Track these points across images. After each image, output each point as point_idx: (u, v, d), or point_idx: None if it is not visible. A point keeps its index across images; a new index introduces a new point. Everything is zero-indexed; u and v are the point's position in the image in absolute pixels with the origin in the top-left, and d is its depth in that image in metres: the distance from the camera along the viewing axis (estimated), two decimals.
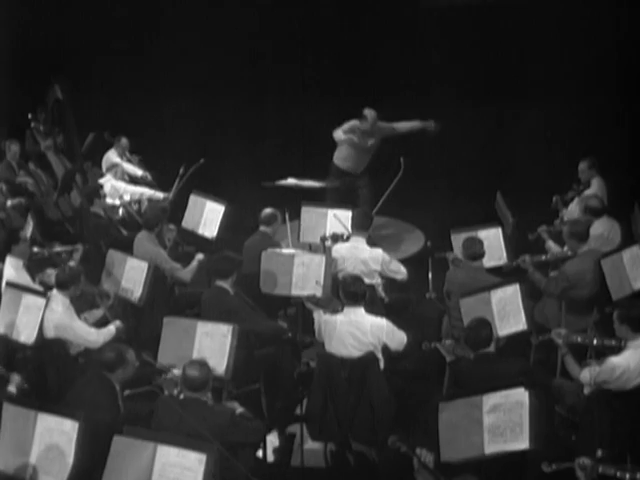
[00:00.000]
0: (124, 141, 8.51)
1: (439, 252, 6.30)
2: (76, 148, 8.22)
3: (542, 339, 5.16)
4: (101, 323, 5.67)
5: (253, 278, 5.99)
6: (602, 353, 4.99)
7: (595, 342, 5.07)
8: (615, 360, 4.71)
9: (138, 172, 8.45)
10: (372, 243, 6.43)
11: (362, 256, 6.15)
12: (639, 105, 8.19)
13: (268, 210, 6.64)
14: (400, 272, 6.19)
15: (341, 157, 7.98)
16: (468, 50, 8.71)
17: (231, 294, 5.69)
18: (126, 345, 4.91)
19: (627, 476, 3.89)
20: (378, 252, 6.18)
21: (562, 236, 6.24)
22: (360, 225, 6.31)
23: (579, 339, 5.02)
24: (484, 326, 4.90)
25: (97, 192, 7.48)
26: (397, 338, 5.18)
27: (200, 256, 6.47)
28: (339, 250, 6.26)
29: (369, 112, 7.76)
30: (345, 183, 7.98)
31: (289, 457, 5.43)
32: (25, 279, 5.72)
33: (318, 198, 7.74)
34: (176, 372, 4.73)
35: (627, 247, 5.98)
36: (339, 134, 7.81)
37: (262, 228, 6.62)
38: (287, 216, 6.93)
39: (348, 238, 6.37)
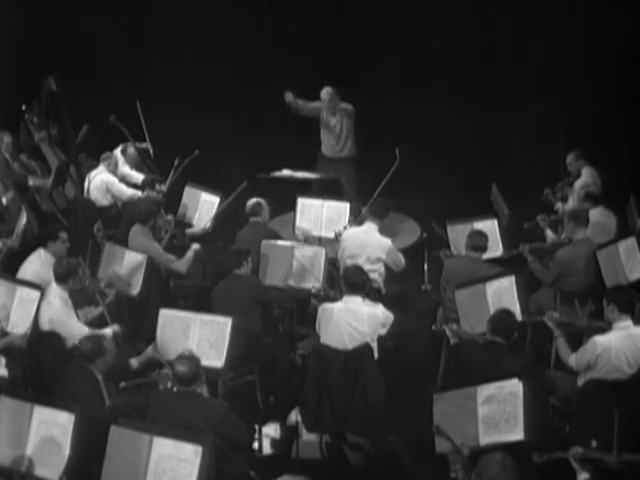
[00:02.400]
0: (131, 152, 8.21)
1: (433, 248, 6.31)
2: (70, 140, 8.17)
3: (533, 320, 5.32)
4: (98, 321, 5.67)
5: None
6: None
7: (582, 322, 5.22)
8: (597, 338, 4.82)
9: (139, 177, 8.24)
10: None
11: (371, 242, 6.21)
12: (634, 97, 8.19)
13: (252, 200, 6.61)
14: (400, 264, 6.25)
15: (322, 142, 8.10)
16: (464, 42, 8.69)
17: (251, 279, 5.81)
18: (102, 334, 4.91)
19: (613, 459, 3.95)
20: (387, 241, 6.26)
21: (561, 226, 6.27)
22: (378, 213, 6.37)
23: (565, 319, 5.15)
24: (511, 315, 4.98)
25: (152, 184, 7.45)
26: (387, 320, 5.25)
27: (196, 246, 6.46)
28: (349, 233, 6.35)
29: (324, 90, 7.86)
30: (326, 169, 8.00)
31: (287, 449, 5.44)
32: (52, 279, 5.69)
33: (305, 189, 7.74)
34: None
35: (623, 238, 6.00)
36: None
37: (252, 219, 6.60)
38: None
39: (362, 222, 6.43)
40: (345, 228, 6.49)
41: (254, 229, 6.52)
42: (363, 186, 7.64)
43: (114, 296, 5.88)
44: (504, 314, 5.00)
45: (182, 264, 6.39)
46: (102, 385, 4.66)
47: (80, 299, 5.68)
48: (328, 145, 8.09)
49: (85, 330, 5.38)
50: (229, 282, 5.76)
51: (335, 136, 8.00)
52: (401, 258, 6.27)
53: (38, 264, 5.92)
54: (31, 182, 7.96)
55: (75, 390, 4.53)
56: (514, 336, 4.90)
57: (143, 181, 7.67)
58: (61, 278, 5.47)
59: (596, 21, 8.15)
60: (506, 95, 8.58)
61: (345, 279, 5.32)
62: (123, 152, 8.18)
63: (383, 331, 5.22)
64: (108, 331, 5.46)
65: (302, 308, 6.14)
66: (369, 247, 6.17)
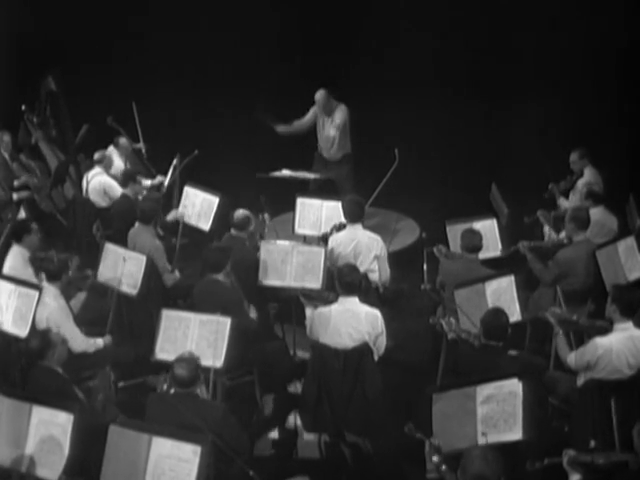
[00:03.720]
0: (123, 142, 8.29)
1: (429, 246, 6.28)
2: (69, 140, 8.18)
3: (533, 318, 5.32)
4: (85, 305, 5.74)
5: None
6: None
7: (585, 321, 5.19)
8: (598, 339, 4.80)
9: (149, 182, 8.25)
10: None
11: (363, 240, 6.14)
12: (634, 97, 8.19)
13: (240, 212, 6.34)
14: (386, 274, 6.15)
15: (319, 144, 8.11)
16: (464, 40, 8.69)
17: (226, 286, 5.62)
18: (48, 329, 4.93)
19: (602, 460, 3.96)
20: (377, 238, 6.19)
21: (561, 223, 6.26)
22: (353, 214, 6.26)
23: (568, 317, 5.14)
24: (500, 316, 4.91)
25: (133, 177, 7.38)
26: (383, 340, 5.18)
27: (177, 274, 6.43)
28: (337, 239, 6.23)
29: (318, 93, 7.89)
30: (321, 169, 8.00)
31: (287, 450, 5.44)
32: (28, 272, 5.70)
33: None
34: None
35: (622, 238, 6.00)
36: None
37: (233, 232, 6.34)
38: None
39: (344, 226, 6.34)
40: (330, 233, 6.38)
41: (236, 244, 6.24)
42: (362, 186, 7.63)
43: (112, 292, 5.88)
44: (493, 316, 4.91)
45: (170, 279, 6.35)
46: (65, 378, 4.66)
47: (69, 290, 5.69)
48: (323, 146, 8.10)
49: (78, 334, 5.40)
50: (207, 287, 5.59)
51: (329, 137, 7.99)
52: (387, 267, 6.15)
53: (12, 260, 5.95)
54: (16, 183, 7.97)
55: (44, 391, 4.50)
56: (507, 336, 4.87)
57: (122, 176, 7.54)
58: (53, 276, 5.49)
59: (597, 21, 8.15)
60: (506, 95, 8.58)
61: (340, 280, 5.24)
62: (116, 144, 8.21)
63: (380, 344, 5.17)
64: (99, 341, 5.49)
65: (300, 308, 6.12)
66: (363, 246, 6.10)
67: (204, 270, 5.80)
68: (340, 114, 7.93)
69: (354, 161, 8.19)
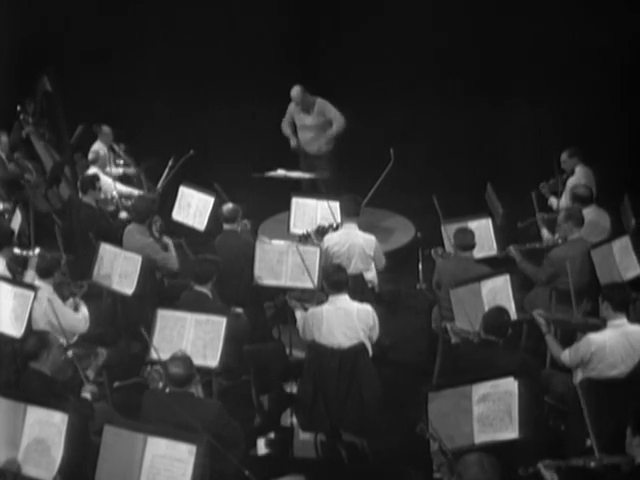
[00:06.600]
0: (106, 129, 8.24)
1: (427, 247, 6.28)
2: (65, 140, 8.16)
3: (529, 318, 5.31)
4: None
5: (227, 276, 5.87)
6: None
7: (577, 319, 5.20)
8: (592, 336, 4.83)
9: (120, 170, 8.24)
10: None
11: (357, 241, 6.13)
12: (630, 97, 8.20)
13: (229, 206, 6.36)
14: (381, 263, 6.19)
15: (300, 140, 8.11)
16: (460, 41, 8.70)
17: (210, 299, 5.54)
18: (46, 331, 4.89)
19: (592, 464, 3.96)
20: (371, 238, 6.18)
21: (556, 224, 6.26)
22: (349, 211, 6.26)
23: (560, 316, 5.15)
24: (503, 314, 4.94)
25: (93, 183, 7.23)
26: (377, 331, 5.22)
27: (170, 242, 6.41)
28: (332, 239, 6.22)
29: (294, 89, 7.88)
30: (310, 166, 7.99)
31: (283, 449, 5.43)
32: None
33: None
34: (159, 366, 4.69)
35: (617, 238, 6.01)
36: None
37: (226, 226, 6.36)
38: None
39: (337, 227, 6.33)
40: (309, 234, 6.35)
41: (228, 237, 6.29)
42: (358, 186, 7.62)
43: (107, 292, 5.86)
44: (496, 313, 4.96)
45: (174, 262, 6.33)
46: (55, 382, 4.62)
47: (61, 292, 5.68)
48: (305, 142, 8.06)
49: (77, 315, 5.44)
50: (193, 299, 5.51)
51: (311, 133, 7.96)
52: (382, 257, 6.19)
53: None
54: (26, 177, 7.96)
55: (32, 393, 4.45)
56: (508, 334, 4.89)
57: (81, 182, 7.35)
58: (45, 273, 5.50)
59: (594, 20, 8.17)
60: (502, 94, 8.59)
61: (327, 279, 5.28)
62: (98, 131, 8.17)
63: (373, 335, 5.19)
64: (85, 311, 5.49)
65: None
66: (357, 247, 6.10)
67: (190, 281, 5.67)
68: (324, 109, 7.87)
69: (349, 161, 8.17)
